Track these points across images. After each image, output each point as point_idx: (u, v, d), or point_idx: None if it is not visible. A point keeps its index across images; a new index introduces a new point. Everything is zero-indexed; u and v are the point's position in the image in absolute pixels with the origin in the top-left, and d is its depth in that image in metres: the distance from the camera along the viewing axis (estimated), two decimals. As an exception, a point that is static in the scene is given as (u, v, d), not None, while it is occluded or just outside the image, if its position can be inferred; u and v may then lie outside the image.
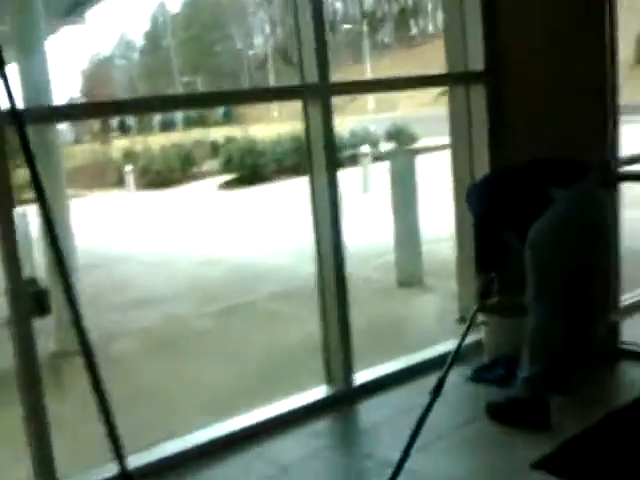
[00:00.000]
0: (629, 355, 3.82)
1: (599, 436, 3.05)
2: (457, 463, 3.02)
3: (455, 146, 4.29)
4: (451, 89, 4.23)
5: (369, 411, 3.53)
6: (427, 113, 19.61)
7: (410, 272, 5.83)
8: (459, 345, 3.22)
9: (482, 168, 4.08)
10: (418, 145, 18.63)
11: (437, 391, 2.89)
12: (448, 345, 4.06)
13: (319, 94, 3.45)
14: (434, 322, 4.97)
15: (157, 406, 4.13)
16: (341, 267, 3.55)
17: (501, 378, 3.65)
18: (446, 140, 4.38)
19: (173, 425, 3.59)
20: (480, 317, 3.95)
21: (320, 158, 3.49)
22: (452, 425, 3.27)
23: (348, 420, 3.55)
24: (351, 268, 3.66)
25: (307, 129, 3.53)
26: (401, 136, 20.66)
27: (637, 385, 3.52)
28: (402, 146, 18.25)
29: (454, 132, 4.27)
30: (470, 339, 4.17)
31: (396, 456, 2.70)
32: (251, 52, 47.97)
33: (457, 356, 3.17)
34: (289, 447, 3.19)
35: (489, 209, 3.33)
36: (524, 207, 3.23)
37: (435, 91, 14.34)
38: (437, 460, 2.97)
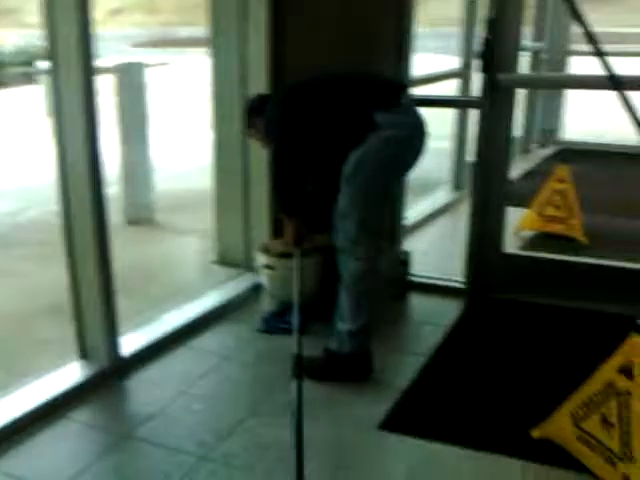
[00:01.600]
0: (418, 287, 3.57)
1: (429, 383, 2.71)
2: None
3: (217, 46, 3.54)
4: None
5: (142, 389, 2.73)
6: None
7: (141, 208, 4.95)
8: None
9: (258, 82, 3.41)
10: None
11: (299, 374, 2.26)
12: (216, 296, 3.45)
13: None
14: (188, 266, 4.22)
15: None
16: (100, 203, 2.62)
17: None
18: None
19: None
20: (262, 259, 3.35)
21: None
22: (272, 389, 2.66)
23: (117, 403, 2.70)
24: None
25: None
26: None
27: (434, 320, 3.27)
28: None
29: (216, 25, 3.52)
30: (245, 283, 3.62)
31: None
32: None
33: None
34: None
35: (296, 137, 2.69)
36: (343, 133, 2.66)
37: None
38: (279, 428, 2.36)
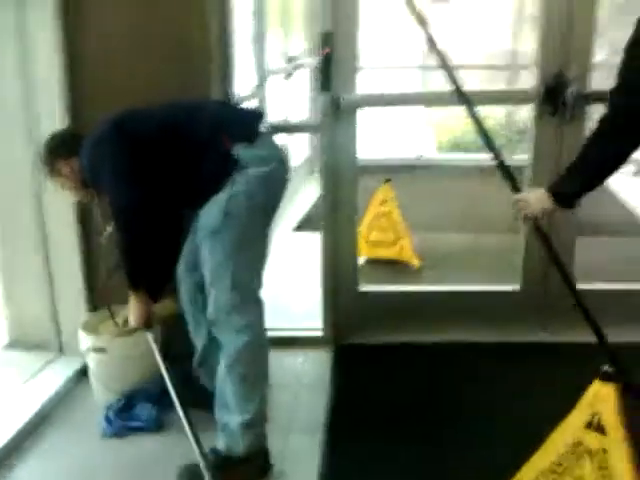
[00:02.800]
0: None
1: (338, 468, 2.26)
2: None
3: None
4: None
5: None
6: None
7: None
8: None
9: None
10: None
11: None
12: (28, 397, 2.67)
13: None
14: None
15: None
16: None
17: (154, 419, 2.51)
18: None
19: None
20: (88, 340, 2.65)
21: None
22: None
23: None
24: None
25: None
26: None
27: (305, 380, 2.82)
28: None
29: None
30: (63, 371, 2.86)
31: None
32: None
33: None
34: None
35: (140, 181, 2.08)
36: (196, 174, 2.14)
37: None
38: None
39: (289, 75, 6.04)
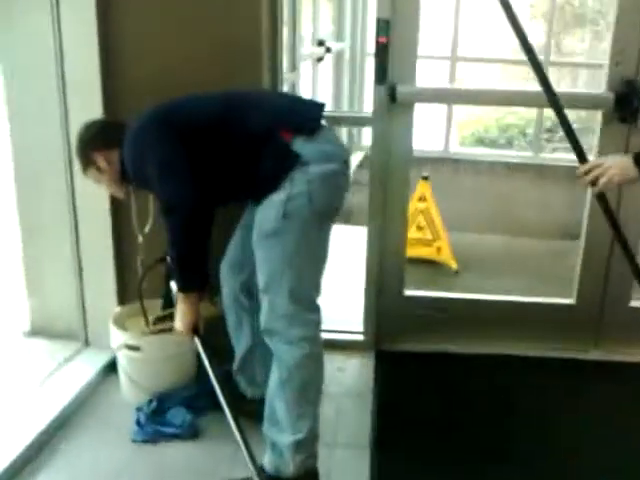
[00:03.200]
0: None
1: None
2: None
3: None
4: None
5: None
6: None
7: None
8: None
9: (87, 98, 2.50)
10: None
11: None
12: (52, 390, 2.52)
13: None
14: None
15: None
16: None
17: (188, 426, 2.35)
18: None
19: None
20: (120, 337, 2.49)
21: None
22: None
23: None
24: None
25: None
26: None
27: (346, 388, 2.66)
28: None
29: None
30: (91, 365, 2.70)
31: None
32: None
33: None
34: None
35: (192, 174, 1.90)
36: (250, 170, 1.96)
37: None
38: None
39: (320, 59, 5.83)
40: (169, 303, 2.29)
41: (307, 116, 2.00)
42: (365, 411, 2.49)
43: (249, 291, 2.23)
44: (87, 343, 2.85)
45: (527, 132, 7.56)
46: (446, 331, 2.93)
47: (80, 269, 2.77)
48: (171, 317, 2.43)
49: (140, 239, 2.50)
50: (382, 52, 2.65)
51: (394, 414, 2.51)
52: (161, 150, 1.95)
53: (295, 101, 2.15)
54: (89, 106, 2.49)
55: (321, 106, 2.07)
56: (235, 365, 2.39)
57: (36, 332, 2.94)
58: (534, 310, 3.00)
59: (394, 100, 2.68)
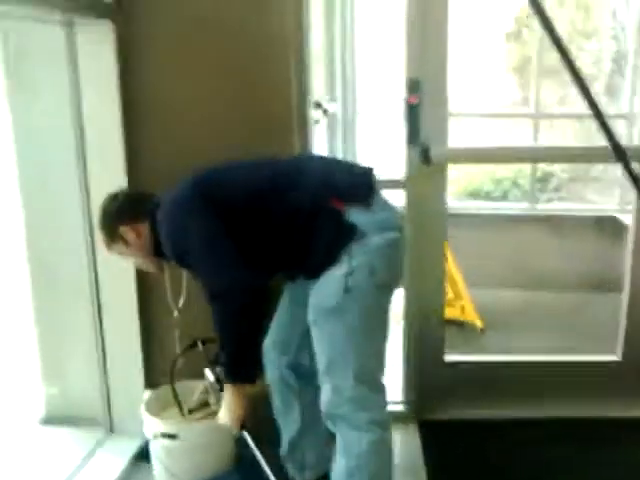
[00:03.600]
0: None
1: None
2: None
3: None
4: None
5: None
6: None
7: None
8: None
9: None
10: None
11: None
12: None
13: None
14: None
15: None
16: None
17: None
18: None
19: None
20: (155, 424, 2.31)
21: None
22: None
23: None
24: None
25: None
26: None
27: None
28: None
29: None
30: (119, 455, 2.52)
31: None
32: None
33: None
34: None
35: (248, 262, 1.79)
36: (303, 245, 1.85)
37: None
38: None
39: (316, 122, 5.80)
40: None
41: (359, 184, 1.90)
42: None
43: (297, 371, 2.09)
44: (112, 430, 2.67)
45: (519, 183, 7.57)
46: (491, 395, 2.80)
47: (103, 350, 2.61)
48: (206, 404, 2.30)
49: (176, 314, 2.36)
50: (413, 112, 2.59)
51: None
52: (205, 225, 1.83)
53: (342, 167, 2.04)
54: (111, 171, 2.38)
55: (371, 171, 1.98)
56: (283, 450, 2.23)
57: (53, 419, 2.75)
58: (578, 369, 2.88)
59: (428, 162, 2.59)
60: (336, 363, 1.79)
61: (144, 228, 2.00)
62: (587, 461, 2.52)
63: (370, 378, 1.81)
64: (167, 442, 2.28)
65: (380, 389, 1.84)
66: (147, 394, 2.46)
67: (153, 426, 2.30)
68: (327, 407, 1.83)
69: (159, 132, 2.42)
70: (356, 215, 1.81)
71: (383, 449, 1.83)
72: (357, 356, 1.77)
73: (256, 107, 2.40)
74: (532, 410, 2.77)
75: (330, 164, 2.05)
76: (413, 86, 2.58)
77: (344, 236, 1.79)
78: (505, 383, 2.82)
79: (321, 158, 2.06)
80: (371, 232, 1.80)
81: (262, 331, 1.81)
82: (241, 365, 1.81)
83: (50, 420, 2.76)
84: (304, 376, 2.08)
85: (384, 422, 1.83)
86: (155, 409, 2.39)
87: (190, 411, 2.36)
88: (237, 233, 1.81)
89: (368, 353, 1.80)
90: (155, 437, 2.30)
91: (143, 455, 2.46)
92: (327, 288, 1.78)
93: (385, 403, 1.86)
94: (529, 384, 2.82)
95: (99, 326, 2.58)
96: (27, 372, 2.83)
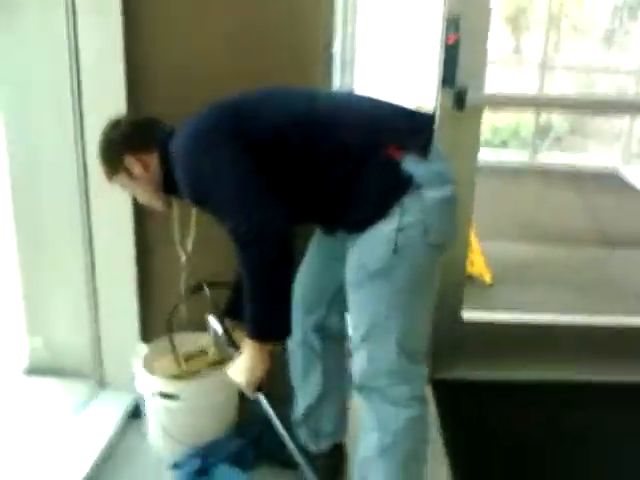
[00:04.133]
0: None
1: None
2: None
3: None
4: None
5: None
6: None
7: None
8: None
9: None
10: None
11: None
12: (66, 443, 2.14)
13: None
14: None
15: None
16: None
17: None
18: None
19: None
20: (153, 383, 2.10)
21: None
22: None
23: None
24: None
25: None
26: None
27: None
28: None
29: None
30: (111, 411, 2.30)
31: None
32: None
33: None
34: None
35: (284, 204, 1.54)
36: (350, 195, 1.59)
37: None
38: None
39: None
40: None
41: (419, 129, 1.64)
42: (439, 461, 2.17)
43: (322, 333, 1.88)
44: (101, 385, 2.44)
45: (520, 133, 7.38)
46: (510, 356, 2.66)
47: (95, 296, 2.36)
48: (204, 352, 2.11)
49: (183, 258, 2.12)
50: (451, 53, 2.33)
51: (464, 454, 2.20)
52: (231, 158, 1.56)
53: (399, 111, 1.75)
54: (110, 99, 2.07)
55: (431, 117, 1.72)
56: (297, 415, 2.03)
57: (37, 369, 2.53)
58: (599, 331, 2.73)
59: (462, 106, 2.35)
60: (377, 329, 1.58)
61: (153, 159, 1.74)
62: (604, 427, 2.41)
63: (414, 348, 1.60)
64: (167, 403, 2.08)
65: (421, 361, 1.64)
66: (144, 349, 2.24)
67: (151, 385, 2.09)
68: (361, 378, 1.62)
69: (164, 49, 2.10)
70: (412, 164, 1.56)
71: (421, 426, 1.64)
72: (401, 324, 1.56)
73: (279, 32, 2.11)
74: (548, 372, 2.64)
75: (384, 105, 1.77)
76: (452, 24, 2.32)
77: (399, 187, 1.54)
78: (526, 344, 2.68)
79: (370, 98, 1.77)
80: (426, 185, 1.56)
81: (292, 282, 1.58)
82: (273, 320, 1.58)
83: (34, 370, 2.53)
84: (329, 338, 1.88)
85: (423, 398, 1.64)
86: (150, 363, 2.18)
87: (186, 359, 2.16)
88: (270, 172, 1.56)
89: (415, 323, 1.60)
90: (153, 396, 2.09)
91: (136, 412, 2.27)
92: (374, 247, 1.55)
93: (425, 376, 1.66)
94: (545, 345, 2.69)
95: (90, 270, 2.33)
96: (10, 319, 2.59)
